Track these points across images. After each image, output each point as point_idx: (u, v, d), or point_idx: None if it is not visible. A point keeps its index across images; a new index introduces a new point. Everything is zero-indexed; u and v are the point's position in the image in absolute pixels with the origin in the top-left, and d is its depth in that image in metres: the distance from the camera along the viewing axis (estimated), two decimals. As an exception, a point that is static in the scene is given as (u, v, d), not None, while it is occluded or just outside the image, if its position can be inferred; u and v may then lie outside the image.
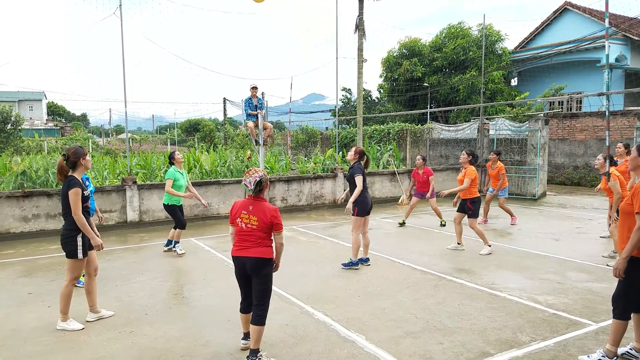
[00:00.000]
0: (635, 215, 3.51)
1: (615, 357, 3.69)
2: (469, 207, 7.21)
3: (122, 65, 10.10)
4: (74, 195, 4.28)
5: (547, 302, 5.13)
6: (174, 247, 7.43)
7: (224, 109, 33.06)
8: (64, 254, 4.48)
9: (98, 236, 4.56)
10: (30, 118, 54.15)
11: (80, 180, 4.43)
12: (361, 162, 6.53)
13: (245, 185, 3.83)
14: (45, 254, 7.56)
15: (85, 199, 4.42)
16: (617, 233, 3.93)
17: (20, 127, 28.28)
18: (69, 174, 4.41)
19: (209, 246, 7.96)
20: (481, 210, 10.30)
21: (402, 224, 9.75)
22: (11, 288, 5.82)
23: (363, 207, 6.41)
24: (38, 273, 6.49)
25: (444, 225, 9.60)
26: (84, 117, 76.59)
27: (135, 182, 9.89)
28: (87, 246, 4.53)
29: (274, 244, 3.88)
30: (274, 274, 3.91)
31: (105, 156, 20.46)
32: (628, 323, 3.68)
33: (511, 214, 9.89)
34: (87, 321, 4.62)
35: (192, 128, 50.40)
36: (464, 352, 3.96)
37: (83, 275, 5.87)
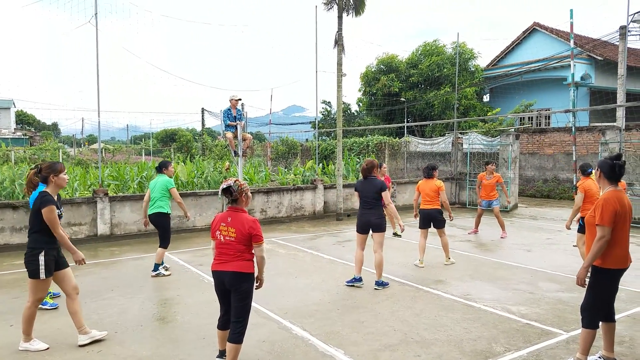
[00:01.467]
0: (596, 227, 3.66)
1: (585, 366, 3.79)
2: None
3: (96, 74, 9.92)
4: (50, 212, 4.06)
5: (520, 312, 5.23)
6: (156, 269, 6.83)
7: (202, 119, 32.80)
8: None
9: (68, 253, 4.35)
10: (-3, 127, 52.26)
11: (54, 197, 4.21)
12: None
13: (218, 194, 3.79)
14: (9, 270, 7.25)
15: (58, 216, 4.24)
16: (583, 245, 4.06)
17: (-14, 137, 27.25)
18: (44, 189, 4.18)
19: (184, 260, 7.80)
20: (471, 222, 10.49)
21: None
22: (-27, 305, 5.54)
23: (357, 224, 6.24)
24: (1, 290, 6.21)
25: (400, 235, 9.74)
26: (54, 127, 74.39)
27: (106, 194, 9.64)
28: (53, 265, 4.22)
29: (255, 259, 3.78)
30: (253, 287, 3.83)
31: (76, 167, 19.90)
32: (596, 332, 3.79)
33: (503, 227, 9.91)
34: (80, 345, 4.32)
35: (169, 138, 49.56)
36: (441, 364, 3.99)
37: (52, 296, 5.65)
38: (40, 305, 5.34)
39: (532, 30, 25.87)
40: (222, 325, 3.85)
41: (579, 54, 22.26)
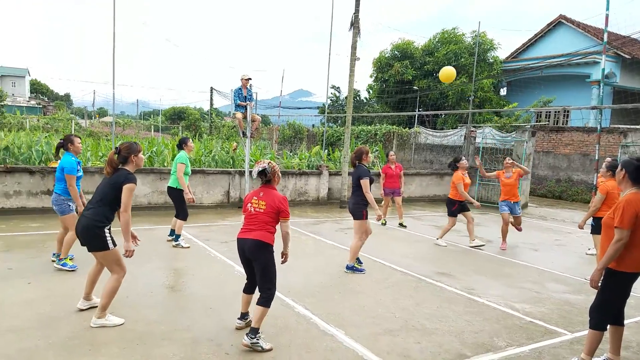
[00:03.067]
0: (614, 229, 3.58)
1: (588, 366, 3.76)
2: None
3: (112, 45, 9.90)
4: (129, 191, 4.03)
5: (524, 310, 5.20)
6: (176, 240, 6.97)
7: (211, 98, 32.65)
8: (90, 245, 4.11)
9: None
10: (13, 94, 52.80)
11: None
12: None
13: (252, 174, 4.06)
14: (26, 232, 7.42)
15: None
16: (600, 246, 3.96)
17: (2, 103, 27.55)
18: (122, 167, 4.16)
19: (192, 235, 7.87)
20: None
21: (384, 224, 9.82)
22: (-15, 264, 5.67)
23: None
24: (18, 249, 6.35)
25: (405, 226, 9.81)
26: (67, 97, 74.95)
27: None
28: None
29: (278, 234, 4.01)
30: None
31: (87, 138, 20.09)
32: (603, 334, 3.76)
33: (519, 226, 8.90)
34: (80, 309, 4.40)
35: (177, 116, 49.79)
36: (441, 352, 4.00)
37: (70, 258, 5.70)
38: (60, 266, 5.51)
39: (558, 23, 24.82)
40: (247, 289, 4.14)
41: (607, 51, 21.62)
